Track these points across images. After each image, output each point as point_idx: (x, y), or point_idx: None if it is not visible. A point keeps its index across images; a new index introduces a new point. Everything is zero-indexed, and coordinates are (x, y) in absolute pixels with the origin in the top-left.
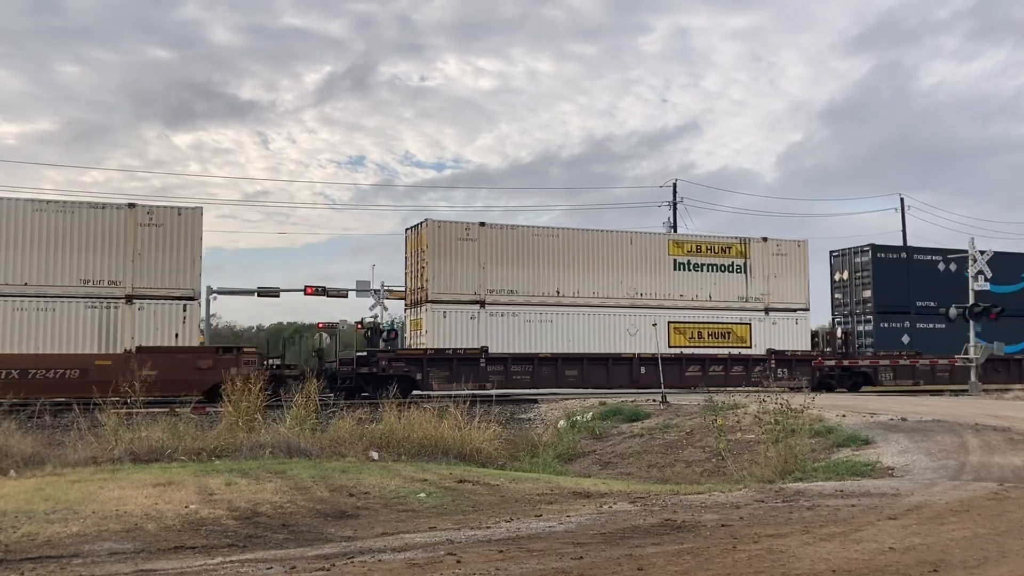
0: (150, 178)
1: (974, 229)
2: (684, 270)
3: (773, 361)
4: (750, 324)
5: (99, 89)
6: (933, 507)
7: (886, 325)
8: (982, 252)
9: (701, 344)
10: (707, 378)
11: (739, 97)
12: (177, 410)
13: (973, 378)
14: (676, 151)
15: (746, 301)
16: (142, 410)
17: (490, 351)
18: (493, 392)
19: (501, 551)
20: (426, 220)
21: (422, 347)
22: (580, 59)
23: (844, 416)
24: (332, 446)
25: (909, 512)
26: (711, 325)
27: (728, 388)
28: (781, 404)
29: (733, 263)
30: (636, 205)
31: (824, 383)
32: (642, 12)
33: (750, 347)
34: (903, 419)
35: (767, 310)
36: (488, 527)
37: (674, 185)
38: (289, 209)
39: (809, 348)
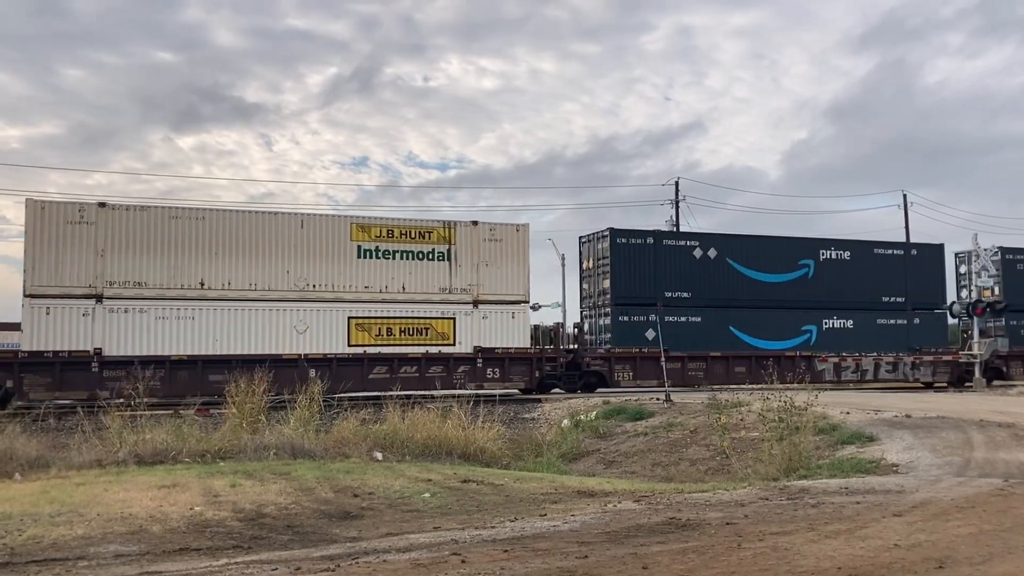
0: (154, 181)
1: (978, 225)
2: (371, 257)
3: (481, 360)
4: (454, 319)
5: (103, 92)
6: (938, 504)
7: (626, 318)
8: (985, 248)
9: (391, 342)
10: (398, 380)
11: (743, 95)
12: (181, 412)
13: (978, 374)
14: (680, 150)
15: (450, 293)
16: (146, 412)
17: (106, 353)
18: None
19: (506, 551)
20: (27, 200)
21: (14, 348)
22: (583, 58)
23: (848, 413)
24: (336, 447)
25: (914, 509)
26: (404, 320)
27: (424, 392)
28: (785, 402)
29: (434, 250)
30: (640, 203)
31: (547, 384)
32: (644, 11)
33: (453, 344)
34: (907, 416)
35: (476, 303)
36: (493, 527)
37: (676, 184)
38: (290, 210)
39: (528, 345)
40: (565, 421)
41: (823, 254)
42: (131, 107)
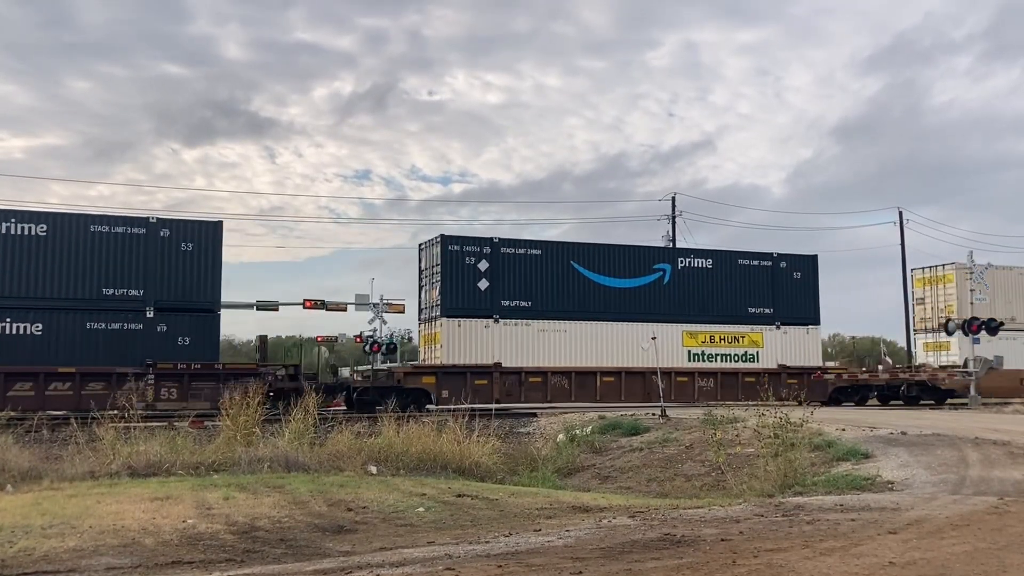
0: (156, 192)
1: (976, 243)
2: None
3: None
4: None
5: (109, 104)
6: (933, 521)
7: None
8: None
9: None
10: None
11: (747, 112)
12: (175, 424)
13: (973, 391)
14: (686, 167)
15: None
16: (140, 424)
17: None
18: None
19: (500, 566)
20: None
21: None
22: (588, 74)
23: (844, 430)
24: (330, 460)
25: (909, 526)
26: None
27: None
28: (780, 418)
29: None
30: (644, 219)
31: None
32: (651, 27)
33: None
34: (903, 433)
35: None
36: (487, 541)
37: (672, 199)
38: (293, 223)
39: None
40: (561, 436)
41: None
42: (137, 119)
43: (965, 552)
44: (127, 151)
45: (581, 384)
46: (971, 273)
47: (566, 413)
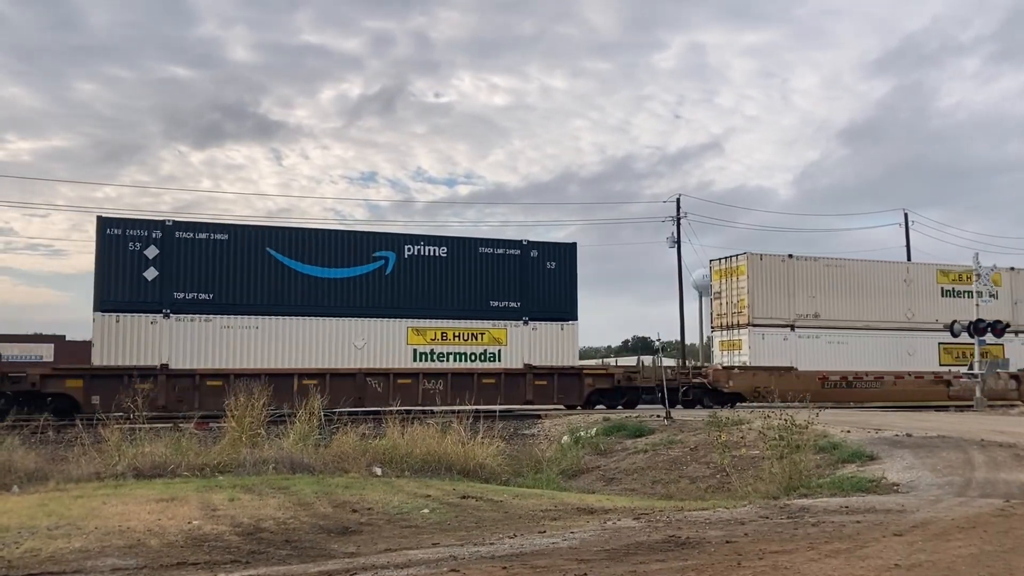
0: (163, 194)
1: (981, 245)
2: None
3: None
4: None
5: (116, 106)
6: (939, 524)
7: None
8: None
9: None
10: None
11: (755, 115)
12: (180, 425)
13: (979, 393)
14: (693, 169)
15: None
16: (145, 425)
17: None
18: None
19: (504, 567)
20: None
21: None
22: (594, 75)
23: (848, 432)
24: (335, 462)
25: (915, 529)
26: None
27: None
28: (786, 420)
29: None
30: (650, 221)
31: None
32: (657, 29)
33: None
34: (908, 435)
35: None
36: (491, 543)
37: (677, 201)
38: (299, 225)
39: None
40: (565, 437)
41: None
42: (145, 121)
43: (971, 555)
44: (136, 153)
45: (275, 388)
46: (977, 275)
47: (570, 415)
